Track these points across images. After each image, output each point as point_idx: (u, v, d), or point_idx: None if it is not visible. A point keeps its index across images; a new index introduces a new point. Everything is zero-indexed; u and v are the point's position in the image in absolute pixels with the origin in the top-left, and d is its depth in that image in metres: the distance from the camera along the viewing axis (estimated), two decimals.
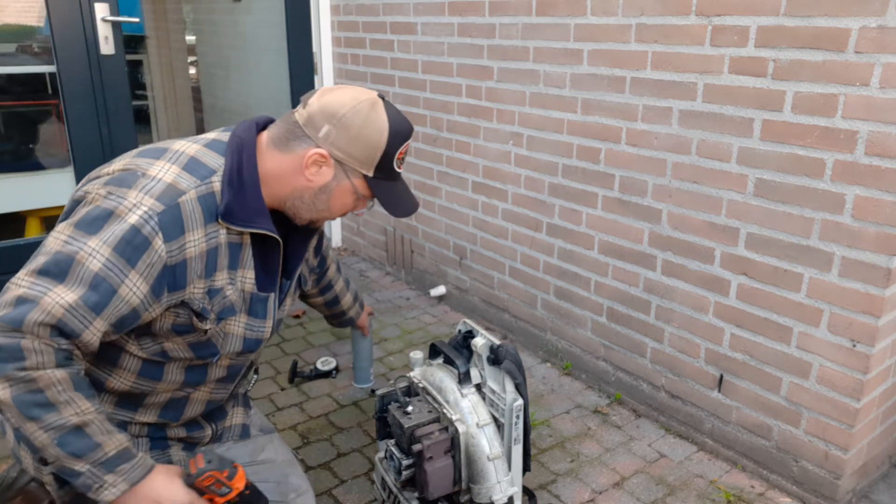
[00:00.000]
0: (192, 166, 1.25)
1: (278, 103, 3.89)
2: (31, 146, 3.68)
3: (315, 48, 3.71)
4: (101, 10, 3.00)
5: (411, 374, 1.82)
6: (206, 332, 1.32)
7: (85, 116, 3.09)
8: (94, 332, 1.14)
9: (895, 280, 1.74)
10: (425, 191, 3.27)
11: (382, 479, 1.82)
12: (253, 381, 1.70)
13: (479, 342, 1.71)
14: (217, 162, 1.28)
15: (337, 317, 2.10)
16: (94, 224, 1.15)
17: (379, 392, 1.79)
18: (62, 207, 3.36)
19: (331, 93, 1.31)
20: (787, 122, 1.84)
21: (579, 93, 2.39)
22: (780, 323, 1.97)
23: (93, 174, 1.29)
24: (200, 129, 5.28)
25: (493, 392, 1.71)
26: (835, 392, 1.88)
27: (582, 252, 2.54)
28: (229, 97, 4.90)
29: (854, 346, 1.82)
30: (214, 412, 1.58)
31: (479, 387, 1.73)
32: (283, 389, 2.60)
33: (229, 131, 1.35)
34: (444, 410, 1.66)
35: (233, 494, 1.30)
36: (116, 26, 3.06)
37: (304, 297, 1.94)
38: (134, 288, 1.15)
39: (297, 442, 2.28)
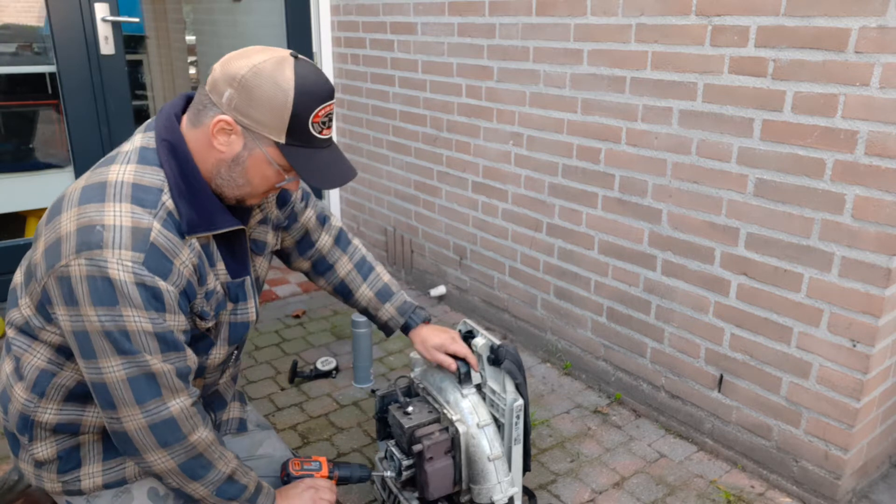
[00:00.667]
0: (139, 196, 1.21)
1: None
2: (31, 146, 3.68)
3: (315, 48, 3.71)
4: (101, 10, 3.00)
5: (412, 374, 1.82)
6: (207, 329, 1.37)
7: (85, 116, 3.09)
8: (189, 355, 1.28)
9: (895, 280, 1.74)
10: (425, 191, 3.27)
11: (382, 479, 1.82)
12: (237, 358, 1.67)
13: (480, 342, 1.71)
14: (157, 177, 1.24)
15: (371, 318, 1.80)
16: (107, 296, 1.16)
17: (379, 392, 1.79)
18: None
19: (238, 56, 1.24)
20: (787, 122, 1.84)
21: (579, 93, 2.39)
22: (780, 323, 1.97)
23: (49, 232, 1.23)
24: None
25: (494, 392, 1.71)
26: (835, 392, 1.88)
27: (582, 252, 2.54)
28: None
29: (854, 346, 1.82)
30: (215, 401, 1.60)
31: (479, 387, 1.73)
32: (283, 389, 2.60)
33: (152, 131, 1.29)
34: (445, 411, 1.66)
35: (325, 465, 1.55)
36: (116, 26, 3.06)
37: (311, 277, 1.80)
38: (176, 319, 1.24)
39: (297, 442, 2.28)
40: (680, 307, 2.23)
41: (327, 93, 1.24)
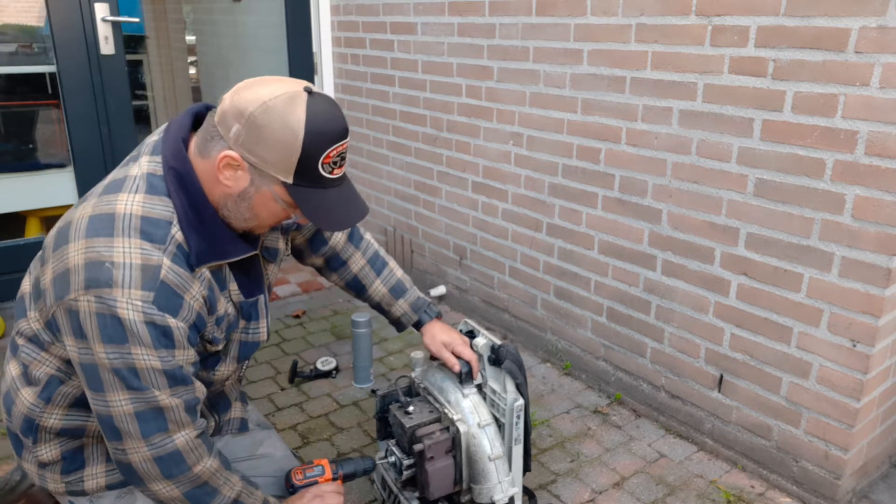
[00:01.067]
0: (148, 230, 1.18)
1: None
2: (31, 146, 3.69)
3: (315, 48, 3.71)
4: (101, 10, 3.00)
5: (412, 374, 1.82)
6: (217, 350, 1.39)
7: (85, 116, 3.09)
8: (198, 387, 1.28)
9: (895, 280, 1.74)
10: (425, 191, 3.27)
11: (383, 478, 1.82)
12: (245, 366, 1.69)
13: (480, 342, 1.71)
14: (167, 209, 1.21)
15: (383, 313, 1.80)
16: (116, 334, 1.16)
17: (380, 392, 1.79)
18: (62, 207, 3.36)
19: (249, 86, 1.19)
20: (787, 122, 1.84)
21: (579, 93, 2.39)
22: (780, 323, 1.97)
23: (57, 261, 1.19)
24: None
25: (494, 392, 1.71)
26: (835, 392, 1.88)
27: (582, 252, 2.54)
28: None
29: (854, 346, 1.82)
30: (219, 403, 1.60)
31: (479, 387, 1.73)
32: (283, 389, 2.60)
33: (159, 155, 1.24)
34: (446, 410, 1.66)
35: (327, 468, 1.53)
36: (116, 26, 3.06)
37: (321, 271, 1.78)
38: (185, 355, 1.24)
39: (297, 442, 2.28)
40: (680, 307, 2.23)
41: (340, 132, 1.19)
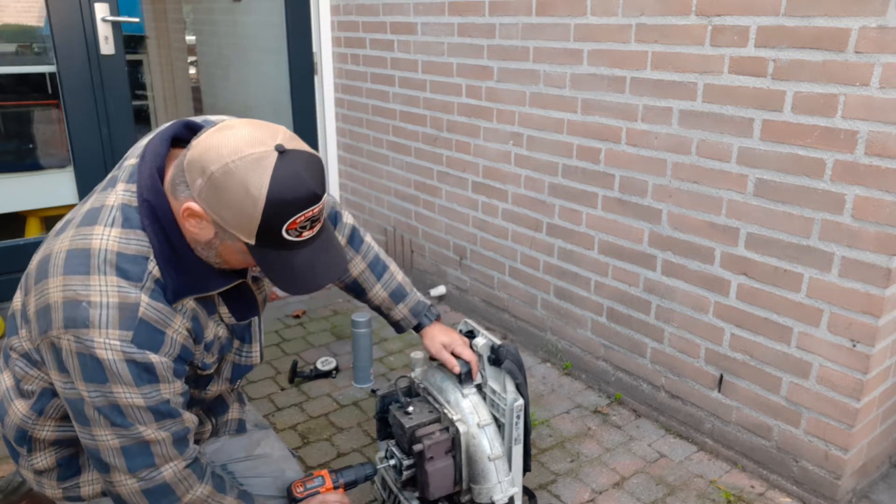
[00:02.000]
0: (124, 267, 1.14)
1: (278, 103, 3.89)
2: (31, 146, 3.68)
3: (315, 48, 3.71)
4: (101, 10, 3.00)
5: (412, 374, 1.82)
6: (209, 373, 1.38)
7: (85, 116, 3.09)
8: (187, 418, 1.26)
9: (895, 280, 1.74)
10: (425, 191, 3.27)
11: (383, 478, 1.82)
12: (238, 384, 1.68)
13: (480, 342, 1.71)
14: (142, 243, 1.17)
15: (383, 316, 1.79)
16: (97, 374, 1.14)
17: (379, 392, 1.79)
18: (62, 207, 3.35)
19: (221, 133, 1.11)
20: (787, 122, 1.84)
21: (579, 93, 2.39)
22: (780, 323, 1.97)
23: (39, 294, 1.17)
24: None
25: (494, 392, 1.71)
26: (835, 392, 1.88)
27: (582, 252, 2.54)
28: (229, 97, 4.90)
29: (854, 346, 1.82)
30: (216, 406, 1.60)
31: (479, 387, 1.73)
32: (283, 389, 2.60)
33: (133, 183, 1.19)
34: (445, 411, 1.66)
35: (327, 478, 1.53)
36: (116, 26, 3.06)
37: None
38: (171, 388, 1.22)
39: (297, 442, 2.28)
40: (680, 307, 2.23)
41: (306, 200, 1.10)
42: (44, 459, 1.37)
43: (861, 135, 1.70)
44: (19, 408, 1.33)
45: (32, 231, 3.46)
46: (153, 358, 1.16)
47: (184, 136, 1.25)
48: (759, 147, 1.92)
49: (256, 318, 1.44)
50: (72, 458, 1.39)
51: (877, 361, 1.82)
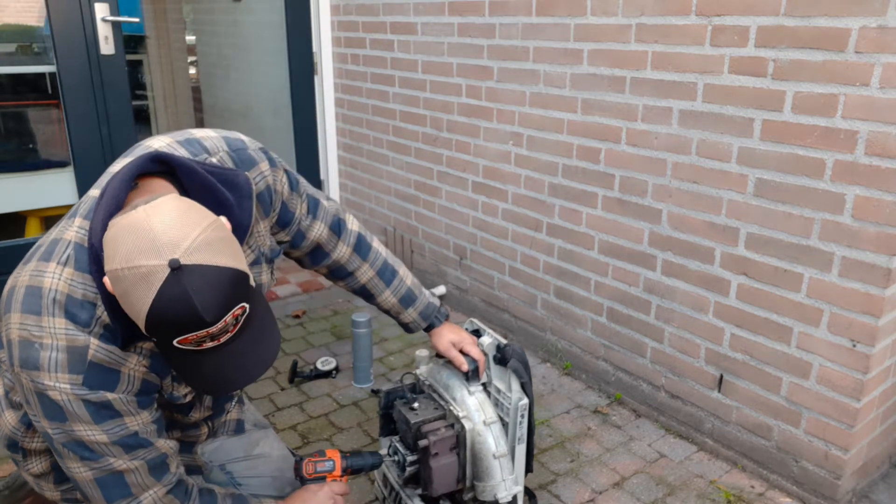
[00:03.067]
0: (73, 311, 1.11)
1: (278, 103, 3.89)
2: (31, 146, 3.68)
3: (315, 48, 3.71)
4: (101, 10, 3.00)
5: (417, 371, 1.82)
6: (185, 402, 1.35)
7: (85, 116, 3.09)
8: (161, 444, 1.24)
9: (895, 280, 1.74)
10: (425, 191, 3.27)
11: (384, 476, 1.82)
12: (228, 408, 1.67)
13: (486, 341, 1.71)
14: (89, 289, 1.12)
15: (393, 318, 1.76)
16: (55, 413, 1.13)
17: (385, 388, 1.79)
18: (62, 207, 3.34)
19: (133, 222, 1.01)
20: (787, 122, 1.84)
21: (579, 93, 2.39)
22: (780, 323, 1.97)
23: (4, 325, 1.15)
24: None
25: (499, 391, 1.71)
26: (835, 392, 1.88)
27: (582, 252, 2.54)
28: (229, 97, 4.90)
29: (854, 346, 1.82)
30: (212, 411, 1.58)
31: (485, 386, 1.73)
32: (283, 389, 2.60)
33: (88, 220, 1.15)
34: (451, 407, 1.66)
35: (338, 463, 1.52)
36: (116, 26, 3.06)
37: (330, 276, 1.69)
38: (137, 419, 1.19)
39: (297, 442, 2.28)
40: (680, 307, 2.23)
41: (192, 324, 1.01)
42: (39, 464, 1.38)
43: (861, 135, 1.70)
44: (9, 419, 1.34)
45: (32, 231, 3.46)
46: (109, 396, 1.14)
47: (151, 169, 1.18)
48: (759, 147, 1.92)
49: None
50: None
51: (877, 361, 1.82)
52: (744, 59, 1.90)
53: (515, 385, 1.67)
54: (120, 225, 1.03)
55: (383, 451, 1.68)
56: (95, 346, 1.12)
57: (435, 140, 3.12)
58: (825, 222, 1.82)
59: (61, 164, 3.32)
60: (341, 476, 1.54)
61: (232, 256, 1.05)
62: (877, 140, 1.68)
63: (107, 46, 3.05)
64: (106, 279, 1.05)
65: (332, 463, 1.52)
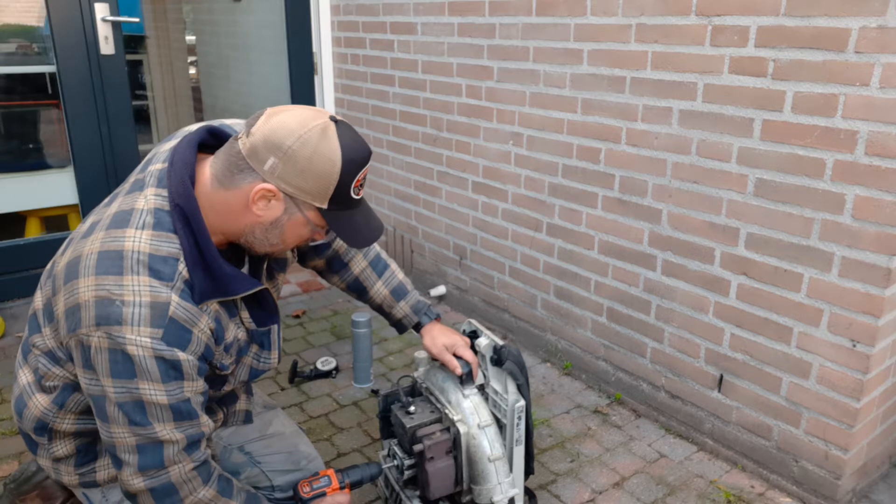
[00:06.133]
0: (157, 267, 1.20)
1: (278, 103, 3.87)
2: (31, 146, 3.69)
3: (315, 48, 3.71)
4: (101, 10, 3.00)
5: (415, 373, 1.82)
6: (225, 373, 1.42)
7: (85, 116, 3.09)
8: (204, 421, 1.30)
9: (895, 280, 1.74)
10: (425, 191, 3.27)
11: (386, 477, 1.82)
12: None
13: (483, 342, 1.71)
14: (173, 245, 1.22)
15: (385, 315, 1.81)
16: (126, 370, 1.18)
17: (382, 392, 1.79)
18: (62, 207, 3.34)
19: (276, 117, 1.22)
20: (787, 122, 1.84)
21: (579, 93, 2.39)
22: (780, 323, 1.97)
23: (68, 294, 1.21)
24: None
25: (496, 393, 1.71)
26: (835, 392, 1.88)
27: (582, 252, 2.54)
28: (229, 97, 4.90)
29: (854, 346, 1.82)
30: (228, 398, 1.65)
31: (482, 387, 1.73)
32: (283, 389, 2.60)
33: (164, 188, 1.25)
34: (446, 411, 1.66)
35: (334, 478, 1.54)
36: (116, 26, 3.06)
37: (322, 273, 1.79)
38: (194, 386, 1.26)
39: None
40: (680, 307, 2.23)
41: (367, 156, 1.26)
42: (64, 447, 1.42)
43: (861, 135, 1.70)
44: (40, 401, 1.37)
45: (32, 231, 3.46)
46: (181, 355, 1.20)
47: (208, 141, 1.32)
48: (759, 147, 1.92)
49: (276, 326, 1.48)
50: (90, 444, 1.44)
51: (877, 361, 1.82)
52: (744, 59, 1.90)
53: (512, 387, 1.67)
54: (263, 128, 1.20)
55: (383, 453, 1.69)
56: (176, 303, 1.20)
57: (435, 140, 3.12)
58: (825, 222, 1.82)
59: (61, 164, 3.32)
60: (341, 489, 1.55)
61: None
62: (877, 140, 1.68)
63: (107, 46, 3.05)
64: (264, 185, 1.20)
65: (327, 478, 1.54)
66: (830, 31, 1.71)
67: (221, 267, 1.26)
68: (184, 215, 1.23)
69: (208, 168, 1.27)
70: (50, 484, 1.56)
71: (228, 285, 1.28)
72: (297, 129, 1.19)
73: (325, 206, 1.24)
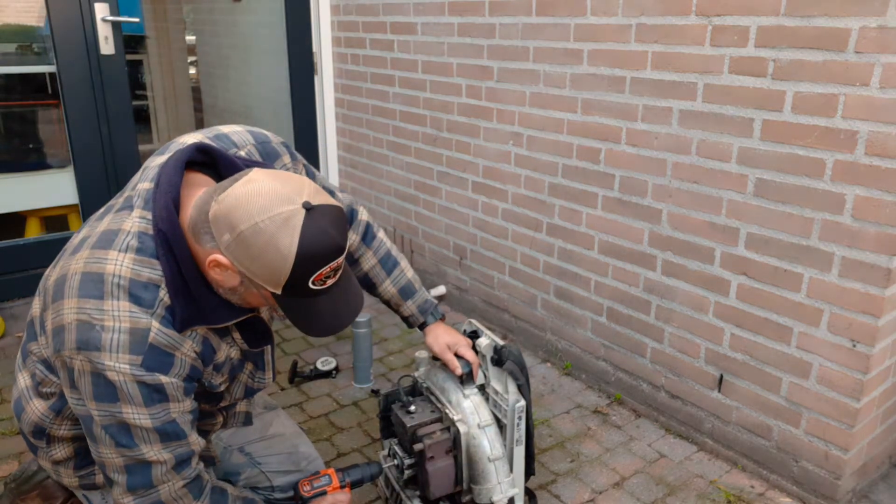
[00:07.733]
0: (137, 293, 1.17)
1: (278, 103, 3.89)
2: (31, 146, 3.69)
3: (315, 48, 3.71)
4: (101, 10, 3.00)
5: (416, 373, 1.82)
6: (218, 391, 1.41)
7: (85, 116, 3.09)
8: (193, 440, 1.29)
9: (895, 280, 1.74)
10: (425, 191, 3.27)
11: (386, 476, 1.82)
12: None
13: (484, 342, 1.71)
14: (154, 271, 1.19)
15: (393, 310, 1.79)
16: (108, 394, 1.17)
17: (383, 391, 1.80)
18: (62, 207, 3.33)
19: (250, 186, 1.13)
20: (787, 122, 1.84)
21: (579, 93, 2.39)
22: (780, 323, 1.97)
23: (55, 313, 1.20)
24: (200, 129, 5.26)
25: (497, 393, 1.71)
26: (835, 392, 1.88)
27: (582, 252, 2.54)
28: (229, 97, 4.90)
29: (854, 346, 1.82)
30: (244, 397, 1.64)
31: (482, 387, 1.73)
32: (283, 389, 2.60)
33: (149, 211, 1.21)
34: (447, 410, 1.66)
35: (334, 477, 1.54)
36: (116, 26, 3.06)
37: None
38: (181, 406, 1.25)
39: None
40: (680, 307, 2.23)
41: (333, 252, 1.14)
42: (62, 450, 1.42)
43: (861, 135, 1.70)
44: (37, 406, 1.37)
45: (32, 231, 3.46)
46: (163, 379, 1.19)
47: (196, 159, 1.27)
48: (759, 147, 1.92)
49: (269, 347, 1.47)
50: (89, 448, 1.42)
51: (877, 361, 1.82)
52: (744, 59, 1.90)
53: (512, 387, 1.67)
54: (232, 195, 1.12)
55: (384, 453, 1.69)
56: (157, 329, 1.17)
57: (435, 140, 3.12)
58: (825, 222, 1.82)
59: (61, 164, 3.32)
60: (341, 488, 1.55)
61: (333, 199, 1.18)
62: (877, 140, 1.68)
63: (107, 46, 3.05)
64: (217, 256, 1.14)
65: (327, 477, 1.55)
66: (830, 31, 1.71)
67: (205, 294, 1.22)
68: (166, 241, 1.18)
69: (192, 204, 1.21)
70: (50, 483, 1.56)
71: (212, 314, 1.25)
72: (257, 215, 1.10)
73: (278, 293, 1.16)
